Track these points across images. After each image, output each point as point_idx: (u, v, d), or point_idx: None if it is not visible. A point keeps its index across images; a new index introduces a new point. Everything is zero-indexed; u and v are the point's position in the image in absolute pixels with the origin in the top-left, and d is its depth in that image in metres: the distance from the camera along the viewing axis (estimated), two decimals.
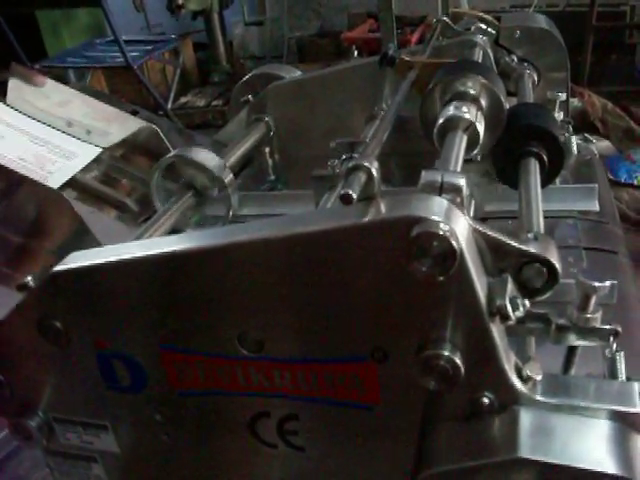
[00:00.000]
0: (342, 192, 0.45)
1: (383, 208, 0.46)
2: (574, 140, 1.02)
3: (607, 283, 0.51)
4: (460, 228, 0.45)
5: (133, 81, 3.42)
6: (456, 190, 0.48)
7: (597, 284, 0.50)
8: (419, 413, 0.53)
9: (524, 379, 0.50)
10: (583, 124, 2.37)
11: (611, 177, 2.30)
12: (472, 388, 0.49)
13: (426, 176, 0.49)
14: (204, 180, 0.86)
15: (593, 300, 0.51)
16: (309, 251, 0.49)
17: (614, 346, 0.54)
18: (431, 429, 0.52)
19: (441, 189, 0.49)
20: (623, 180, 2.35)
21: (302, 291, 0.51)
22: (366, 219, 0.46)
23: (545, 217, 0.65)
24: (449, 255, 0.44)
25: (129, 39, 3.22)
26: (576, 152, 1.03)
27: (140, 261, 0.54)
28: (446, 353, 0.47)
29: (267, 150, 1.12)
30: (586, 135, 1.10)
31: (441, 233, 0.43)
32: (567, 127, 1.00)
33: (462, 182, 0.49)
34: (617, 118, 2.58)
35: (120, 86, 3.61)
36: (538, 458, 0.47)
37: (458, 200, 0.48)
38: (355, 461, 0.57)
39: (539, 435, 0.49)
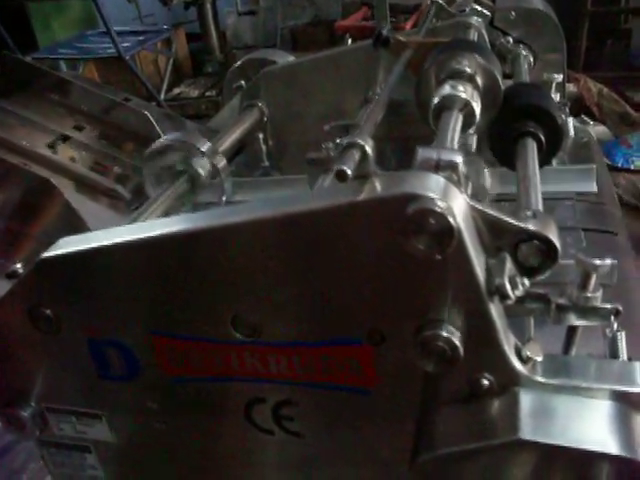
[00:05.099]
0: (337, 169, 0.44)
1: (379, 186, 0.45)
2: (571, 122, 1.01)
3: (607, 261, 0.50)
4: (457, 205, 0.44)
5: (125, 72, 3.40)
6: (453, 167, 0.47)
7: (597, 262, 0.49)
8: (417, 396, 0.52)
9: (524, 360, 0.49)
10: (579, 109, 2.35)
11: (607, 162, 2.29)
12: (471, 369, 0.48)
13: (422, 153, 0.48)
14: (197, 166, 0.85)
15: (593, 279, 0.50)
16: (303, 231, 0.48)
17: (615, 325, 0.53)
18: (430, 412, 0.51)
19: (437, 167, 0.47)
20: (620, 165, 2.34)
21: (297, 272, 0.50)
22: (361, 197, 0.45)
23: (543, 199, 0.64)
24: (446, 232, 0.43)
25: (121, 30, 3.20)
26: (573, 134, 1.02)
27: (130, 245, 0.53)
28: (444, 334, 0.46)
29: (261, 136, 1.11)
30: (583, 117, 1.09)
31: (438, 210, 0.42)
32: (564, 109, 0.99)
33: (459, 159, 0.48)
34: (613, 103, 2.57)
35: (112, 77, 3.58)
36: (539, 439, 0.46)
37: (455, 178, 0.47)
38: (353, 446, 0.56)
39: (540, 416, 0.48)
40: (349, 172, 0.44)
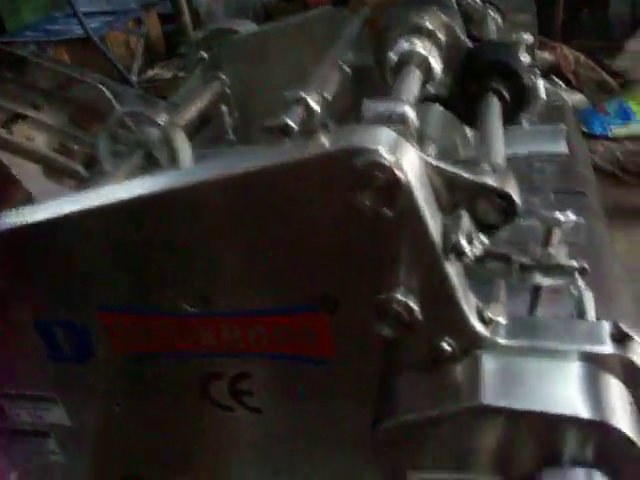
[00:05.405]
0: (279, 123, 0.41)
1: (325, 141, 0.43)
2: (542, 84, 0.98)
3: (571, 217, 0.48)
4: (408, 159, 0.41)
5: (97, 55, 3.33)
6: (404, 121, 0.44)
7: (559, 216, 0.47)
8: (378, 364, 0.49)
9: (486, 322, 0.46)
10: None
11: (585, 130, 2.27)
12: (431, 333, 0.46)
13: (371, 106, 0.46)
14: (153, 138, 0.82)
15: (556, 234, 0.47)
16: (250, 192, 0.45)
17: (581, 284, 0.51)
18: (392, 380, 0.49)
19: (388, 120, 0.45)
20: (597, 132, 2.32)
21: (245, 235, 0.47)
22: (307, 152, 0.42)
23: (512, 159, 0.62)
24: (395, 187, 0.40)
25: (89, 11, 3.13)
26: (545, 97, 0.99)
27: (74, 216, 0.50)
28: (400, 296, 0.44)
29: (224, 109, 1.07)
30: (554, 78, 1.06)
31: (386, 163, 0.40)
32: (534, 71, 0.96)
33: (410, 112, 0.45)
34: (590, 71, 2.54)
35: (83, 60, 3.51)
36: (503, 404, 0.44)
37: (407, 131, 0.44)
38: (314, 419, 0.54)
39: (503, 380, 0.45)
40: (292, 124, 0.41)
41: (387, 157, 0.40)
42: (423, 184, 0.42)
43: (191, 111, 0.95)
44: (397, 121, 0.44)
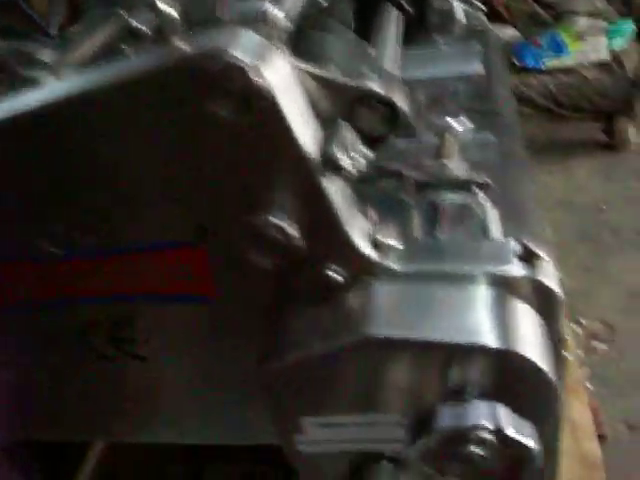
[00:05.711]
0: (124, 25, 0.36)
1: (180, 46, 0.37)
2: (459, 6, 0.93)
3: (467, 123, 0.43)
4: (271, 63, 0.36)
5: (18, 10, 3.16)
6: (267, 20, 0.39)
7: (452, 123, 0.42)
8: (264, 299, 0.44)
9: (378, 246, 0.42)
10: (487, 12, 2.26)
11: (517, 63, 2.24)
12: (315, 261, 0.41)
13: (233, 7, 0.40)
14: (39, 79, 0.75)
15: (451, 144, 0.43)
16: (103, 109, 0.40)
17: (484, 201, 0.46)
18: (280, 316, 0.44)
19: (252, 21, 0.39)
20: (530, 65, 2.29)
21: (105, 162, 0.42)
22: (161, 59, 0.37)
23: (423, 81, 0.58)
24: (253, 92, 0.35)
25: None
26: (463, 20, 0.95)
27: None
28: (275, 220, 0.39)
29: (126, 48, 1.00)
30: (474, 2, 1.00)
31: (241, 66, 0.34)
32: None
33: (275, 11, 0.40)
34: (522, 3, 2.50)
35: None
36: (395, 335, 0.40)
37: (273, 33, 0.39)
38: (203, 364, 0.49)
39: (397, 309, 0.41)
40: (138, 26, 0.35)
41: (244, 60, 0.35)
42: (291, 90, 0.37)
43: (84, 50, 0.87)
44: (260, 21, 0.39)
